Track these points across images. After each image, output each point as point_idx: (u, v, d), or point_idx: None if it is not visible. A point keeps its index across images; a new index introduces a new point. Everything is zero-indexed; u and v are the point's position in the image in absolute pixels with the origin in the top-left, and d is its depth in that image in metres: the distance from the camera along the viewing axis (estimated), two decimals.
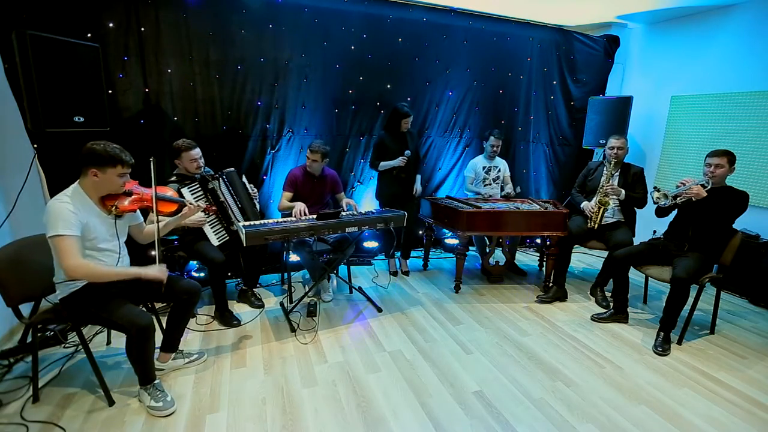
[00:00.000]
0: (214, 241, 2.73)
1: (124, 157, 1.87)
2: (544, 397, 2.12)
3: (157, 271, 1.96)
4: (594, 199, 3.30)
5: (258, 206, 3.11)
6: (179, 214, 2.19)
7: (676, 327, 2.64)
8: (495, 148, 3.75)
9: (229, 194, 2.89)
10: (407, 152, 3.40)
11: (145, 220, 2.24)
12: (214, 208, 2.54)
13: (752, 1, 3.46)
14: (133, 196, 2.00)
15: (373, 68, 3.77)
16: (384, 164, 3.47)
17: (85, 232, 1.83)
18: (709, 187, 2.57)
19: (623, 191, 3.09)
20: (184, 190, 2.62)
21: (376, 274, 3.79)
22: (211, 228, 2.75)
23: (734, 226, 2.67)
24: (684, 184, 2.61)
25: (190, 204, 2.21)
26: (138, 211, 2.11)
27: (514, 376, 2.30)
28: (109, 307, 1.87)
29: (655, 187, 2.71)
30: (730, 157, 2.58)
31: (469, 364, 2.41)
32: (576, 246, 3.33)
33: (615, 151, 3.17)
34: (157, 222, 2.04)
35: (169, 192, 2.24)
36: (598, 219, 3.17)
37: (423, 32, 3.86)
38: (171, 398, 1.99)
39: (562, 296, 3.29)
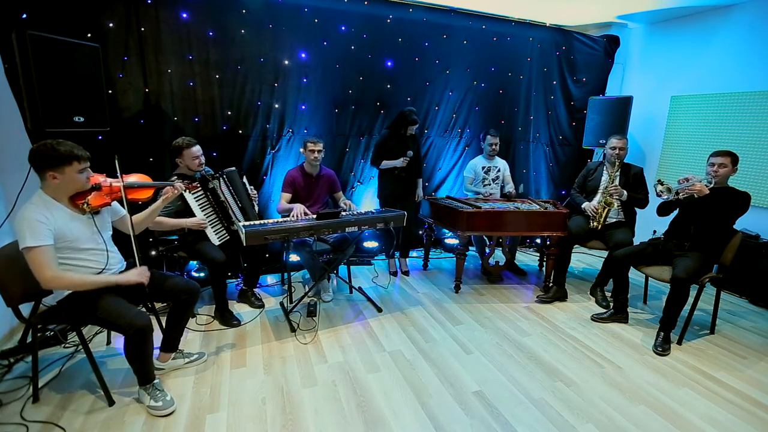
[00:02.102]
0: (215, 241, 2.73)
1: (77, 152, 1.76)
2: (544, 397, 2.12)
3: (136, 275, 1.88)
4: (595, 199, 3.30)
5: (257, 208, 3.11)
6: (162, 197, 2.13)
7: (676, 327, 2.64)
8: (493, 146, 3.75)
9: (230, 193, 2.89)
10: (409, 153, 3.41)
11: (130, 213, 2.13)
12: (195, 184, 2.41)
13: (752, 1, 3.46)
14: (102, 190, 1.91)
15: (373, 68, 3.77)
16: (386, 163, 3.48)
17: (60, 237, 1.76)
18: (711, 185, 2.57)
19: (626, 192, 3.09)
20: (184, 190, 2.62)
21: (376, 274, 3.79)
22: (212, 227, 2.75)
23: (734, 226, 2.67)
24: (687, 180, 2.61)
25: (175, 185, 2.15)
26: (116, 203, 2.06)
27: (514, 376, 2.30)
28: (107, 308, 1.85)
29: (659, 180, 2.70)
30: (734, 158, 2.58)
31: (469, 364, 2.41)
32: (576, 246, 3.33)
33: (617, 151, 3.17)
34: (131, 222, 1.99)
35: (141, 178, 2.14)
36: (602, 220, 3.17)
37: (423, 32, 3.86)
38: (171, 398, 1.99)
39: (562, 296, 3.29)
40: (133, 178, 2.12)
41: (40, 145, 1.73)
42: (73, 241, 1.82)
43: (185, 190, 2.33)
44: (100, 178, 1.95)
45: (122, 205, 2.01)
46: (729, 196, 2.58)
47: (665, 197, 2.67)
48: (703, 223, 2.66)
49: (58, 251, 1.79)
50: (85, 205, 1.85)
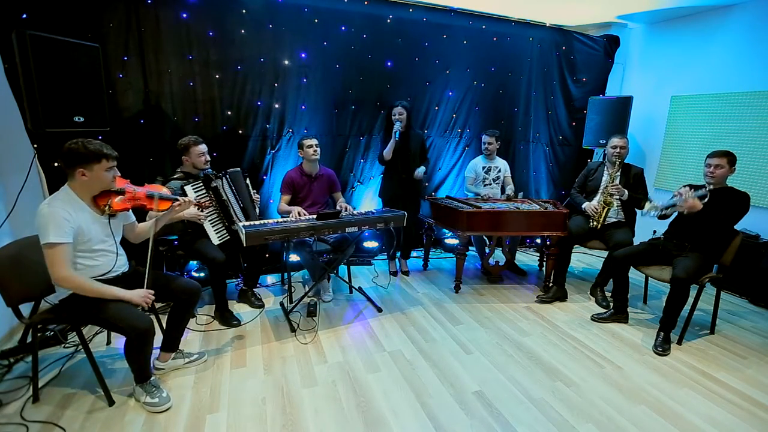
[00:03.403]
0: (215, 240, 2.73)
1: (105, 150, 1.84)
2: (544, 397, 2.12)
3: (140, 297, 1.90)
4: (596, 199, 3.30)
5: (258, 211, 3.11)
6: (171, 209, 2.15)
7: (676, 327, 2.64)
8: (488, 146, 3.75)
9: (232, 193, 2.89)
10: (397, 123, 3.34)
11: (138, 220, 2.21)
12: (205, 202, 2.47)
13: (752, 1, 3.46)
14: (125, 195, 1.98)
15: (373, 68, 3.77)
16: (387, 150, 3.42)
17: (78, 235, 1.82)
18: (707, 199, 2.55)
19: (626, 192, 3.09)
20: (188, 188, 2.63)
21: (376, 274, 3.79)
22: (212, 226, 2.75)
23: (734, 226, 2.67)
24: (680, 195, 2.56)
25: (183, 199, 2.18)
26: (130, 210, 2.11)
27: (514, 376, 2.30)
28: (109, 310, 1.85)
29: (648, 199, 2.70)
30: (730, 158, 2.58)
31: (469, 364, 2.41)
32: (576, 246, 3.32)
33: (618, 150, 3.17)
34: (154, 230, 2.02)
35: (163, 190, 2.20)
36: (602, 219, 3.17)
37: (423, 32, 3.86)
38: (167, 394, 2.00)
39: (562, 296, 3.29)
40: (150, 189, 2.15)
41: (72, 143, 1.80)
42: (88, 241, 1.87)
43: (200, 209, 2.36)
44: (125, 184, 2.02)
45: (156, 211, 2.07)
46: (729, 196, 2.58)
47: (652, 214, 2.65)
48: (704, 224, 2.65)
49: (74, 248, 1.82)
50: (107, 207, 1.91)
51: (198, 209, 2.48)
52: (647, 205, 2.66)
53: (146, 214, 2.21)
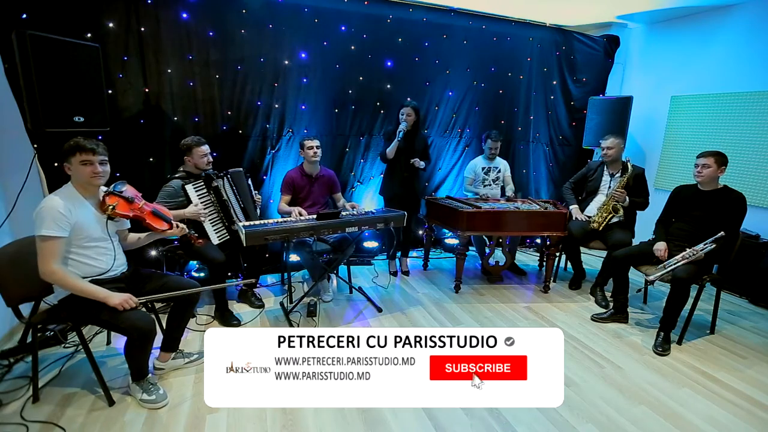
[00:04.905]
0: (214, 240, 2.73)
1: (81, 143, 1.85)
2: None
3: (120, 299, 1.84)
4: (595, 200, 3.31)
5: (259, 212, 3.11)
6: (162, 230, 2.18)
7: (676, 327, 2.64)
8: (493, 150, 3.76)
9: (233, 193, 2.89)
10: (403, 124, 3.32)
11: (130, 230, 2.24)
12: (199, 240, 2.47)
13: (752, 1, 3.46)
14: (133, 204, 2.03)
15: (373, 68, 3.77)
16: (390, 149, 3.39)
17: (77, 232, 1.84)
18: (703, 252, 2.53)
19: (628, 198, 3.11)
20: (189, 187, 2.63)
21: (376, 274, 3.79)
22: (212, 226, 2.75)
23: None
24: (680, 259, 2.55)
25: (180, 225, 2.22)
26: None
27: None
28: (111, 310, 1.85)
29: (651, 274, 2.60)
30: (718, 158, 2.58)
31: None
32: None
33: (605, 151, 3.25)
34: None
35: (166, 213, 2.24)
36: (604, 221, 3.17)
37: (423, 32, 3.86)
38: (163, 391, 2.01)
39: (579, 283, 3.55)
40: (156, 208, 2.20)
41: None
42: (85, 238, 1.88)
43: (187, 237, 2.35)
44: (133, 194, 2.07)
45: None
46: (725, 198, 2.61)
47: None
48: (703, 227, 2.65)
49: (69, 244, 1.83)
50: (111, 208, 1.93)
51: (191, 232, 2.47)
52: (653, 277, 2.56)
53: (141, 226, 2.21)
